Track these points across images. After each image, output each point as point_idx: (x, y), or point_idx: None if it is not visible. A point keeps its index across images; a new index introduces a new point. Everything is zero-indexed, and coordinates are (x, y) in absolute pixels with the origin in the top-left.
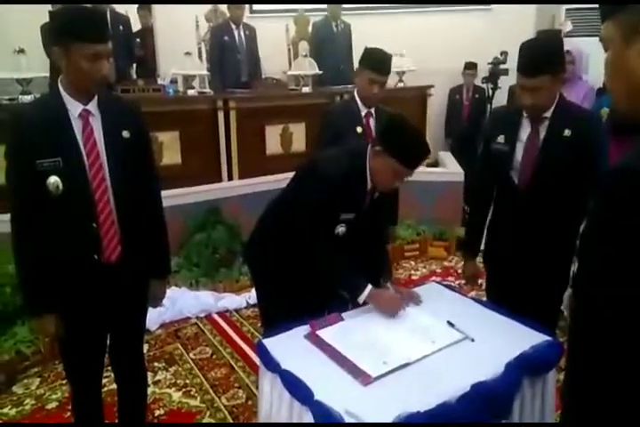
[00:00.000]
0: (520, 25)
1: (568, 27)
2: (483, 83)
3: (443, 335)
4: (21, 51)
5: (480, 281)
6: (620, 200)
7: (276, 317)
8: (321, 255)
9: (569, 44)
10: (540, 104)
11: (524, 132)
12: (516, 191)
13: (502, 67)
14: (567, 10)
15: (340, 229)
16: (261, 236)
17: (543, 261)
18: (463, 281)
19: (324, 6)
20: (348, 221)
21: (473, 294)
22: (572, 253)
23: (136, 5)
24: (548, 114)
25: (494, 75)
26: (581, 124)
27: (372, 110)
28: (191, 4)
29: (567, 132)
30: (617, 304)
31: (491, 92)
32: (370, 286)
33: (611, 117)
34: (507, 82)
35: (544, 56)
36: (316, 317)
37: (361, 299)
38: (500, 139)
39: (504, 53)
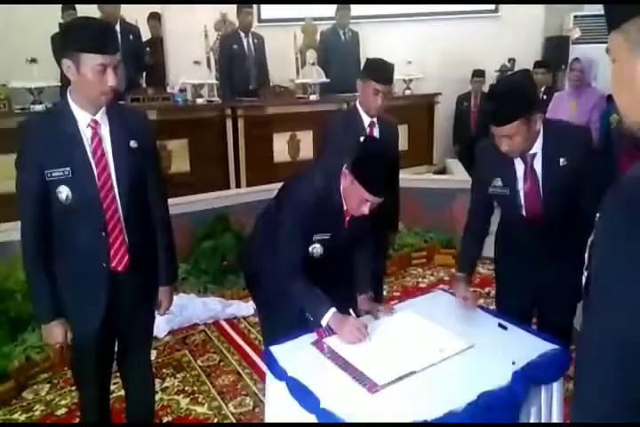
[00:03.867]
0: (528, 32)
1: (576, 33)
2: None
3: (450, 344)
4: (33, 60)
5: (487, 289)
6: (626, 219)
7: (273, 329)
8: (287, 276)
9: (578, 51)
10: (519, 149)
11: (520, 170)
12: (524, 220)
13: (510, 74)
14: (575, 17)
15: (315, 249)
16: (250, 250)
17: (556, 275)
18: (471, 289)
19: (332, 15)
20: (324, 241)
21: (481, 302)
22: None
23: (146, 15)
24: (538, 149)
25: None
26: (574, 149)
27: (375, 120)
28: (201, 4)
29: (562, 161)
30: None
31: None
32: (332, 311)
33: (619, 129)
34: None
35: (510, 104)
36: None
37: (324, 322)
38: (497, 182)
39: (512, 60)
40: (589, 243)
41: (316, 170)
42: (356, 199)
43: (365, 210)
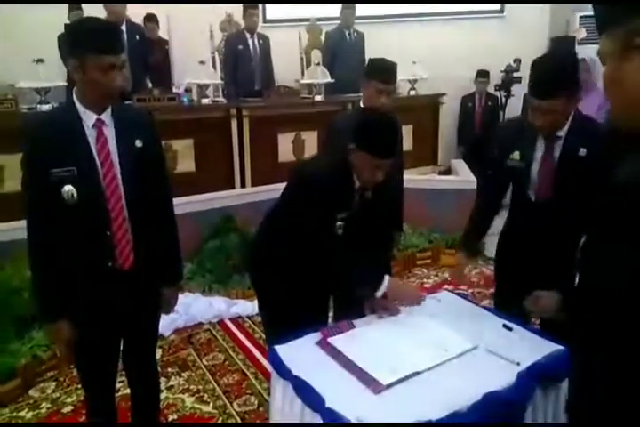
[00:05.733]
0: (533, 32)
1: (582, 34)
2: (495, 90)
3: (454, 344)
4: (40, 60)
5: (492, 290)
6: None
7: (279, 328)
8: (328, 258)
9: (583, 51)
10: (553, 126)
11: (539, 149)
12: (532, 205)
13: (515, 75)
14: (581, 17)
15: (338, 228)
16: (260, 247)
17: (558, 273)
18: (476, 290)
19: (337, 15)
20: (342, 219)
21: (485, 303)
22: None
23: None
24: (563, 133)
25: (507, 82)
26: (597, 143)
27: None
28: (207, 4)
29: (582, 151)
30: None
31: (504, 99)
32: (388, 277)
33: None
34: (519, 90)
35: (559, 78)
36: (318, 325)
37: (381, 290)
38: (516, 155)
39: (517, 61)
40: (581, 245)
41: (323, 155)
42: (367, 169)
43: (379, 176)
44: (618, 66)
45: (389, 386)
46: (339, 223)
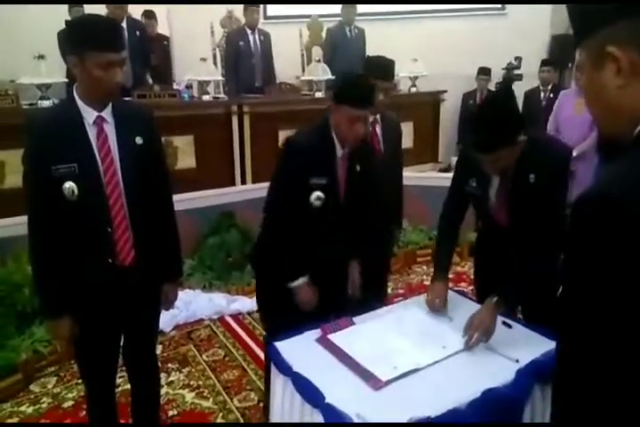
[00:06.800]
0: (535, 30)
1: None
2: (496, 88)
3: (453, 341)
4: (41, 57)
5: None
6: (593, 230)
7: (278, 318)
8: (279, 232)
9: None
10: (504, 169)
11: (495, 178)
12: (497, 226)
13: (516, 72)
14: None
15: (316, 199)
16: (262, 237)
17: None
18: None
19: (338, 12)
20: (322, 186)
21: None
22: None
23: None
24: (513, 164)
25: (508, 80)
26: (545, 168)
27: (378, 117)
28: (208, 4)
29: (532, 177)
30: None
31: None
32: (303, 280)
33: (599, 140)
34: (520, 87)
35: (498, 134)
36: (319, 318)
37: (291, 285)
38: (472, 182)
39: (518, 59)
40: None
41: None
42: (346, 122)
43: (360, 130)
44: (593, 75)
45: (389, 382)
46: (318, 194)
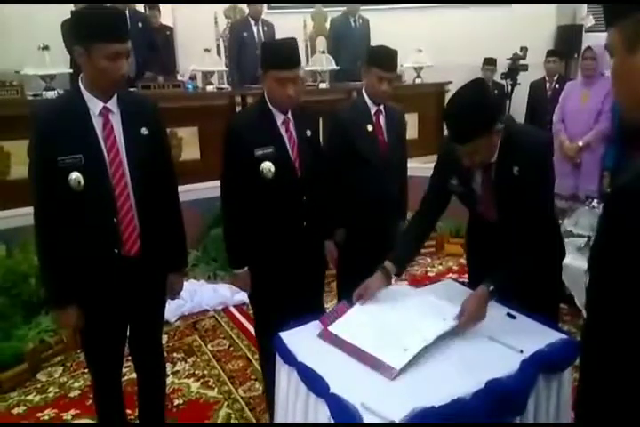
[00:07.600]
0: (540, 20)
1: (590, 21)
2: (502, 79)
3: (451, 312)
4: (46, 47)
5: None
6: (622, 221)
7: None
8: (232, 214)
9: (591, 39)
10: (482, 162)
11: (477, 173)
12: (485, 221)
13: (522, 62)
14: (588, 5)
15: (268, 171)
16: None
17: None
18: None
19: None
20: (271, 157)
21: None
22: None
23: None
24: (494, 159)
25: (514, 70)
26: (527, 159)
27: (382, 107)
28: (211, 4)
29: (515, 170)
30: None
31: (510, 87)
32: (244, 270)
33: (620, 125)
34: (526, 78)
35: (473, 123)
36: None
37: (234, 271)
38: (453, 180)
39: (524, 49)
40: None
41: (326, 144)
42: (275, 85)
43: (290, 91)
44: (625, 59)
45: (403, 369)
46: (266, 164)
